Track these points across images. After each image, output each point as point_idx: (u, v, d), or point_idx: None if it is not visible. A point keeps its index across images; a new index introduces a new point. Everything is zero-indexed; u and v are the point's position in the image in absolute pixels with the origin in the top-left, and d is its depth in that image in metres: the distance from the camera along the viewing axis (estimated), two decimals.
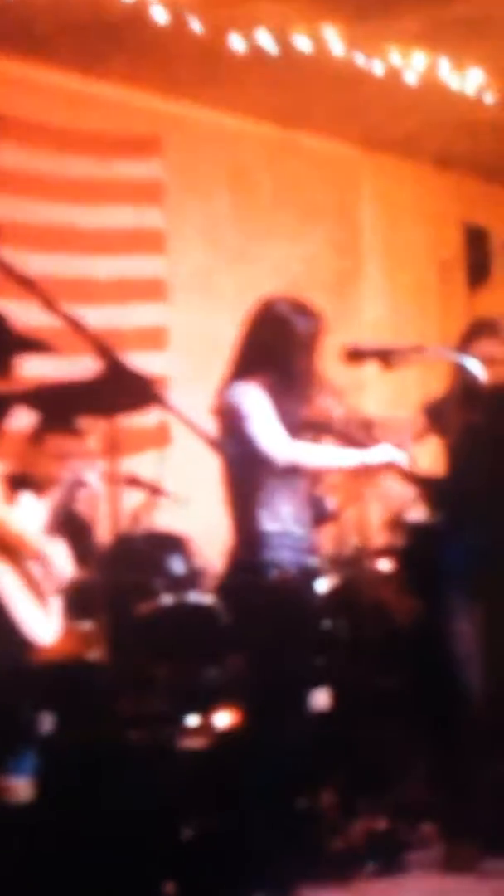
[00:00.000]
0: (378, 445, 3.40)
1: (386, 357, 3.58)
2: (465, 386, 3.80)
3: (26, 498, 3.89)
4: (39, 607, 3.77)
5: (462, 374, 3.72)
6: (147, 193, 5.63)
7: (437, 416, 3.99)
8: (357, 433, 3.61)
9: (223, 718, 3.72)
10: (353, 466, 3.39)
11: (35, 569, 3.80)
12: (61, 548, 3.92)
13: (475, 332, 3.88)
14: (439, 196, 6.72)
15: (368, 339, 5.83)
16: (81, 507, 4.17)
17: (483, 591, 3.68)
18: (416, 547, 4.28)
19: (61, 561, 3.89)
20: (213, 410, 3.40)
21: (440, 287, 6.68)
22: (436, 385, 4.22)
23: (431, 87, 5.50)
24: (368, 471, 3.46)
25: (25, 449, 4.10)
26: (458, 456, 3.91)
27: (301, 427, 3.47)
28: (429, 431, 4.07)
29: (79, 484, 3.93)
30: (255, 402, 3.30)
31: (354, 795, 3.66)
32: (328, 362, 3.53)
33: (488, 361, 3.65)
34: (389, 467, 3.47)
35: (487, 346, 3.78)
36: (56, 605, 3.84)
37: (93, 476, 3.92)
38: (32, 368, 4.66)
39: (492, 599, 3.68)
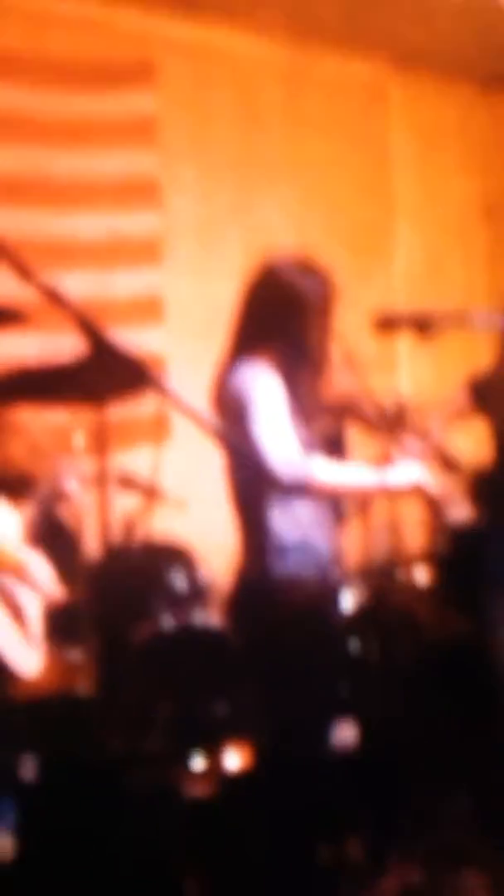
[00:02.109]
0: (403, 462, 3.45)
1: (424, 324, 3.63)
2: None
3: (0, 503, 3.99)
4: (19, 633, 3.90)
5: None
6: (137, 133, 5.69)
7: (484, 394, 4.11)
8: (387, 421, 3.71)
9: (233, 759, 3.83)
10: (372, 488, 3.45)
11: (14, 587, 3.93)
12: (41, 562, 4.04)
13: None
14: (487, 126, 6.74)
15: (402, 302, 5.94)
16: (66, 513, 4.30)
17: None
18: (460, 553, 4.40)
19: (43, 577, 4.00)
20: (212, 398, 3.46)
21: (488, 237, 6.71)
22: (485, 358, 4.33)
23: None
24: (389, 493, 3.54)
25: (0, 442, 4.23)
26: None
27: (320, 412, 3.57)
28: (474, 412, 4.19)
29: (58, 496, 4.00)
30: (266, 395, 3.33)
31: (385, 844, 3.76)
32: (353, 332, 3.60)
33: None
34: (414, 491, 3.54)
35: None
36: (38, 629, 3.96)
37: (73, 484, 4.00)
38: (2, 348, 4.81)
39: None
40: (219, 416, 3.40)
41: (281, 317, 3.43)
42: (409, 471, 3.45)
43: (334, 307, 3.51)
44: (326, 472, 3.33)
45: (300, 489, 3.30)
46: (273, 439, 3.28)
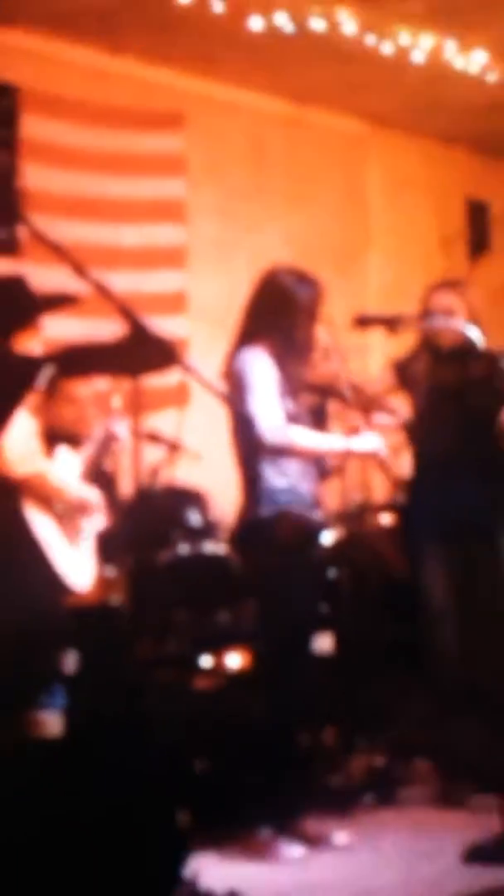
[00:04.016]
0: (365, 433, 3.36)
1: (392, 324, 3.54)
2: (429, 343, 3.72)
3: (62, 451, 3.84)
4: (78, 555, 3.73)
5: (429, 332, 3.66)
6: (169, 166, 5.55)
7: (404, 374, 3.91)
8: (359, 397, 3.56)
9: (234, 660, 3.69)
10: (339, 451, 3.38)
11: (75, 518, 3.75)
12: (97, 497, 3.87)
13: (436, 287, 3.78)
14: (443, 171, 6.60)
15: (375, 306, 5.77)
16: (107, 458, 4.14)
17: (456, 551, 3.62)
18: (405, 502, 4.20)
19: (99, 509, 3.85)
20: (223, 373, 3.36)
21: (443, 258, 6.56)
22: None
23: (437, 67, 5.39)
24: (352, 456, 3.45)
25: (58, 406, 4.05)
26: (424, 415, 3.82)
27: (305, 390, 3.42)
28: (397, 388, 3.99)
29: (111, 438, 3.91)
30: (260, 372, 3.24)
31: (354, 733, 3.64)
32: (335, 327, 3.46)
33: (447, 313, 3.60)
34: (372, 456, 3.43)
35: (445, 298, 3.67)
36: (92, 552, 3.80)
37: (122, 429, 3.90)
38: (59, 330, 4.60)
39: (466, 559, 3.61)
40: (227, 387, 3.30)
41: (277, 314, 3.32)
42: (369, 440, 3.36)
43: (320, 308, 3.40)
44: (302, 437, 3.25)
45: (280, 450, 3.21)
46: (263, 410, 3.19)
